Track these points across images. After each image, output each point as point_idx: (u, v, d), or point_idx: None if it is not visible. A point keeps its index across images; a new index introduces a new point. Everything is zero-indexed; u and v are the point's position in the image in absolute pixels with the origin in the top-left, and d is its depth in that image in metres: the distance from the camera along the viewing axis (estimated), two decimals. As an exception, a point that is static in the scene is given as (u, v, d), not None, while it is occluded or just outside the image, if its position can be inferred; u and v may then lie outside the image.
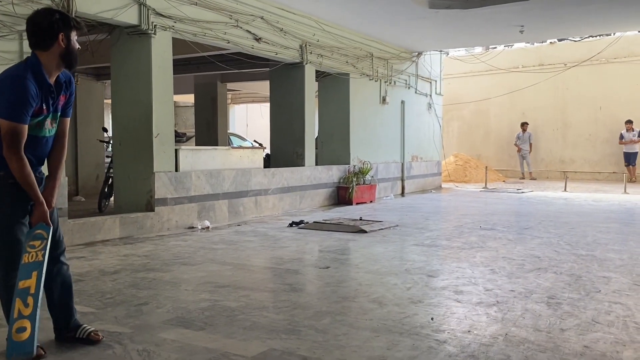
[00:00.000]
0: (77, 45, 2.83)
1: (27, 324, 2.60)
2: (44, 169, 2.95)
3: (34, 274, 2.66)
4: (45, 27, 2.72)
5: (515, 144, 17.69)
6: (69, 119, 2.99)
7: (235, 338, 3.13)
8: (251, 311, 3.64)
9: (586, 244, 6.17)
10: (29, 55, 2.79)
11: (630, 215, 8.91)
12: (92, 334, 3.02)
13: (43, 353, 2.80)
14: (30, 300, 2.63)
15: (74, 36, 2.81)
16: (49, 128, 2.86)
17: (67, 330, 3.02)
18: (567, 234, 6.87)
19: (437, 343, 3.04)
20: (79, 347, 2.99)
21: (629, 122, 15.47)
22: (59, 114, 2.90)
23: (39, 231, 2.76)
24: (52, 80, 2.80)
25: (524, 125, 17.55)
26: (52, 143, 2.92)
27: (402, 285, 4.35)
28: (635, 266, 5.01)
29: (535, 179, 17.19)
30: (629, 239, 6.52)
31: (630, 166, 15.58)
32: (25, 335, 2.59)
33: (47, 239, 2.75)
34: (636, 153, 15.57)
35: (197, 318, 3.49)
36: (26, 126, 2.68)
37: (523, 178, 17.43)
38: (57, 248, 2.95)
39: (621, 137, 15.70)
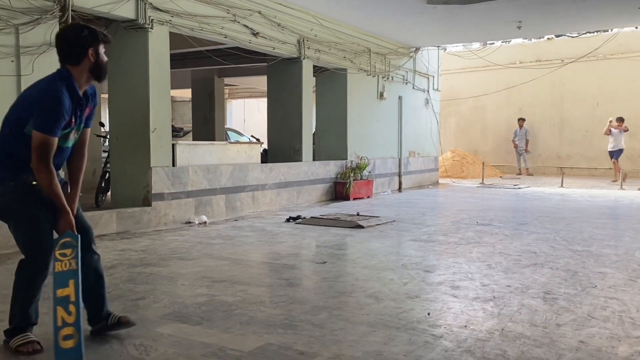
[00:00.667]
0: (106, 58, 2.92)
1: (72, 331, 2.69)
2: (62, 174, 3.04)
3: (71, 282, 2.73)
4: (75, 44, 2.82)
5: (513, 140, 17.73)
6: (89, 129, 3.07)
7: (232, 333, 3.14)
8: (248, 306, 3.64)
9: (582, 239, 6.19)
10: (58, 70, 2.86)
11: (626, 211, 8.94)
12: (121, 318, 3.08)
13: (39, 348, 2.83)
14: (72, 308, 2.71)
15: (102, 49, 2.89)
16: (73, 139, 2.94)
17: (100, 318, 3.08)
18: (563, 229, 6.89)
19: (434, 338, 3.05)
20: (76, 341, 2.99)
21: (620, 119, 14.66)
22: (82, 125, 2.98)
23: (67, 239, 2.80)
24: (81, 93, 2.88)
25: (520, 121, 17.58)
26: (72, 151, 3.00)
27: (398, 280, 4.36)
28: (631, 262, 5.03)
29: (531, 175, 17.23)
30: (625, 234, 6.55)
31: (615, 160, 14.87)
32: (73, 342, 2.68)
33: (77, 247, 2.79)
34: (621, 150, 14.71)
35: (194, 313, 3.50)
36: (57, 139, 2.76)
37: (520, 174, 17.47)
38: (86, 236, 2.99)
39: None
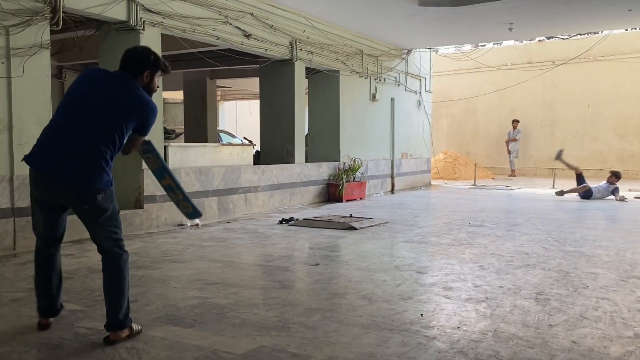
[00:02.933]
0: (157, 86, 3.27)
1: (186, 203, 3.51)
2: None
3: (166, 175, 3.46)
4: (136, 63, 3.14)
5: (506, 142, 17.72)
6: None
7: (224, 335, 3.13)
8: (241, 308, 3.63)
9: (574, 240, 6.22)
10: (124, 73, 3.12)
11: (617, 212, 9.00)
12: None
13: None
14: (177, 191, 3.48)
15: (157, 77, 3.22)
16: None
17: (57, 309, 3.27)
18: (555, 230, 6.92)
19: (427, 339, 3.06)
20: (67, 344, 2.97)
21: (617, 176, 11.14)
22: None
23: (146, 147, 3.35)
24: None
25: (514, 122, 17.62)
26: None
27: (391, 281, 4.36)
28: (622, 262, 5.06)
29: (514, 177, 17.27)
30: (616, 235, 6.59)
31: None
32: (190, 208, 3.53)
33: (155, 149, 3.39)
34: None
35: (186, 315, 3.48)
36: None
37: (514, 175, 17.54)
38: (61, 239, 3.25)
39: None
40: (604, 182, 11.10)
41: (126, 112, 2.99)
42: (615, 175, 10.94)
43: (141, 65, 3.13)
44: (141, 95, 3.08)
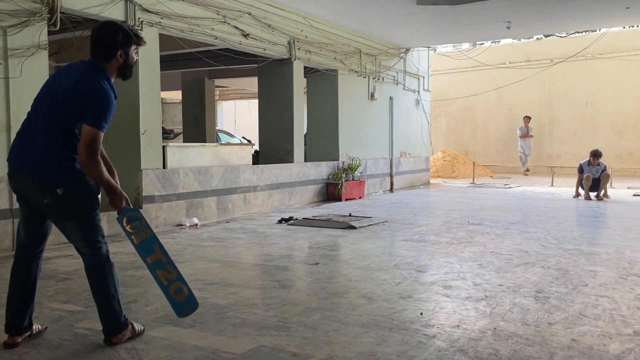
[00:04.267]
0: (135, 58, 3.02)
1: (180, 284, 2.98)
2: None
3: (156, 247, 2.99)
4: (107, 44, 2.91)
5: (526, 135, 17.50)
6: None
7: (224, 335, 3.12)
8: (240, 308, 3.63)
9: (573, 238, 6.22)
10: (93, 61, 2.92)
11: (615, 210, 9.00)
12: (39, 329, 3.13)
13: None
14: (169, 267, 2.98)
15: (132, 51, 2.98)
16: None
17: (29, 325, 3.02)
18: (554, 228, 6.92)
19: (426, 338, 3.06)
20: (67, 345, 2.97)
21: (596, 155, 10.66)
22: None
23: (131, 214, 2.98)
24: None
25: (526, 119, 17.46)
26: None
27: (391, 280, 4.36)
28: (621, 260, 5.06)
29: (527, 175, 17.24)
30: (615, 233, 6.59)
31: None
32: (185, 293, 2.99)
33: (142, 217, 3.01)
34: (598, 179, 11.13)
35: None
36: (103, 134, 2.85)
37: (528, 172, 17.38)
38: (44, 243, 3.05)
39: (581, 170, 10.75)
40: (589, 166, 10.58)
41: (70, 98, 2.81)
42: (595, 155, 10.55)
43: (110, 48, 2.90)
44: (89, 75, 2.85)
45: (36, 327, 3.07)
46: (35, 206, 2.90)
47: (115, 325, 2.96)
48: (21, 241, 3.01)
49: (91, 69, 2.89)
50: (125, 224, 2.94)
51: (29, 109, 5.76)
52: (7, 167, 2.95)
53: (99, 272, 2.94)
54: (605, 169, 10.57)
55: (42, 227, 2.99)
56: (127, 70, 3.00)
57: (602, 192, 10.49)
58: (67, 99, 2.82)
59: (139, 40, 3.00)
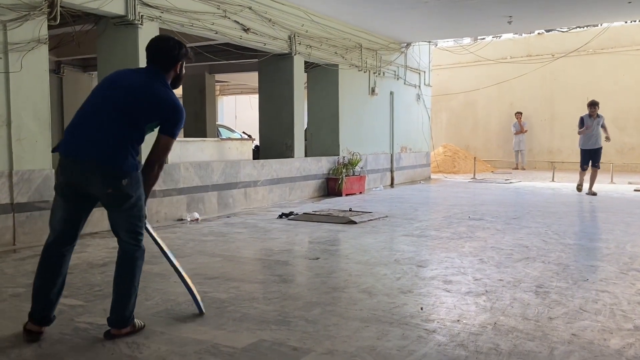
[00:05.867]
0: (184, 71, 3.27)
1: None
2: None
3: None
4: (171, 56, 3.15)
5: (520, 132, 17.55)
6: None
7: (225, 329, 3.13)
8: (241, 302, 3.63)
9: (573, 233, 6.22)
10: (155, 70, 3.13)
11: (616, 205, 8.99)
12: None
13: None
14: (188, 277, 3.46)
15: (183, 64, 3.23)
16: None
17: (54, 317, 3.08)
18: (554, 223, 6.92)
19: (427, 332, 3.06)
20: (67, 339, 2.97)
21: (593, 104, 10.39)
22: None
23: None
24: None
25: (518, 114, 17.56)
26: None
27: (391, 275, 4.36)
28: (622, 255, 5.06)
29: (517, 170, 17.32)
30: (616, 228, 6.59)
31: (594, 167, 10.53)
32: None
33: (149, 231, 3.28)
34: (600, 149, 10.52)
35: (186, 310, 3.48)
36: None
37: (517, 168, 17.53)
38: (76, 235, 3.17)
39: (582, 123, 10.46)
40: (590, 118, 10.29)
41: (149, 107, 3.00)
42: (593, 104, 10.32)
43: (175, 59, 3.15)
44: (166, 93, 3.07)
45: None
46: (86, 197, 3.00)
47: (124, 317, 3.00)
48: (57, 233, 3.06)
49: (157, 78, 3.11)
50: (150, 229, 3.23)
51: (29, 103, 5.79)
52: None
53: (132, 263, 3.04)
54: (603, 122, 10.39)
55: (83, 219, 3.09)
56: (179, 82, 3.25)
57: (590, 187, 10.37)
58: (134, 101, 2.99)
59: (191, 54, 3.30)
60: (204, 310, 3.37)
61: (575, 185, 10.91)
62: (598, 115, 10.35)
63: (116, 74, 3.16)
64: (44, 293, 3.00)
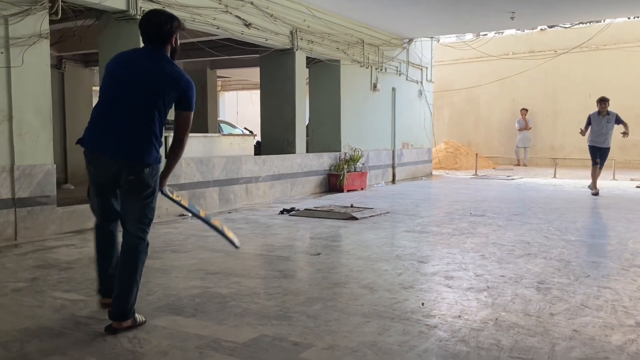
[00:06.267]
0: (179, 42, 3.28)
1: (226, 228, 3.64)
2: None
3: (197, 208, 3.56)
4: (167, 31, 3.15)
5: (522, 129, 17.52)
6: None
7: (226, 324, 3.13)
8: (242, 297, 3.63)
9: (575, 229, 6.21)
10: (153, 48, 3.15)
11: (618, 202, 8.98)
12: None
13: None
14: (215, 222, 3.58)
15: (178, 36, 3.25)
16: None
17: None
18: (556, 219, 6.91)
19: (428, 328, 3.06)
20: (69, 334, 2.97)
21: (603, 101, 9.78)
22: None
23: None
24: None
25: (523, 111, 17.51)
26: None
27: (393, 271, 4.36)
28: (624, 251, 5.05)
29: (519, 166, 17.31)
30: (618, 224, 6.58)
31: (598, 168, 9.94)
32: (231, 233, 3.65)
33: (167, 195, 3.38)
34: (608, 149, 9.91)
35: (187, 305, 3.48)
36: None
37: (518, 164, 17.52)
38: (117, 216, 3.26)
39: (589, 122, 9.89)
40: (598, 116, 9.62)
41: (164, 88, 3.05)
42: (602, 101, 9.58)
43: (169, 33, 3.16)
44: (175, 70, 3.12)
45: None
46: (114, 183, 3.11)
47: (125, 310, 3.02)
48: (98, 215, 3.25)
49: (160, 56, 3.14)
50: (171, 194, 3.36)
51: (30, 98, 5.78)
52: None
53: (136, 257, 3.08)
54: (617, 118, 9.48)
55: (116, 201, 3.20)
56: (175, 54, 3.25)
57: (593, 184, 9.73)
58: (149, 87, 3.04)
59: (184, 26, 3.29)
60: (238, 245, 3.60)
61: (587, 184, 10.18)
62: (608, 113, 9.63)
63: (122, 61, 3.17)
64: (104, 269, 3.25)
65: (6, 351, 2.74)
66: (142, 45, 3.30)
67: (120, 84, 3.08)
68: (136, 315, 3.08)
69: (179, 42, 3.27)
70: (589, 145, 9.94)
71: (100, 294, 3.28)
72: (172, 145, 3.22)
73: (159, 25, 3.14)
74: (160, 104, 3.06)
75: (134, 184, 3.05)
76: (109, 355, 2.69)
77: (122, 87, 3.06)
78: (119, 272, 3.08)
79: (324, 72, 10.97)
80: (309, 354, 2.70)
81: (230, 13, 8.05)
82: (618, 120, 9.65)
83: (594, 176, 9.84)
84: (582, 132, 9.87)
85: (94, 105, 3.30)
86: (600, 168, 9.88)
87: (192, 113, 3.20)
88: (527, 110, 17.52)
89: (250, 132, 12.28)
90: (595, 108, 9.94)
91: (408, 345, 2.81)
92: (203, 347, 2.79)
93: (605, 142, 9.68)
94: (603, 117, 9.60)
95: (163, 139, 3.24)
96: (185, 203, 3.42)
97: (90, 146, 3.09)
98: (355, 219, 6.94)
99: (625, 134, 9.75)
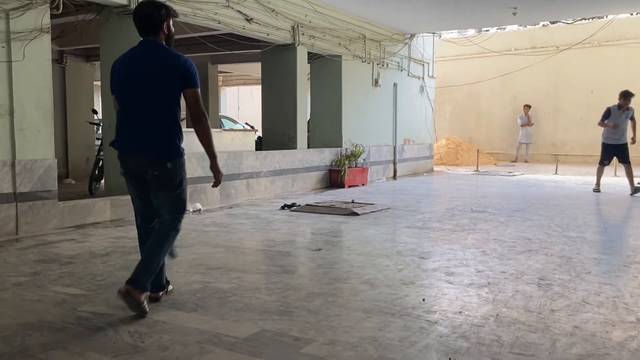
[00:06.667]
0: (173, 29, 3.40)
1: None
2: None
3: None
4: (157, 19, 3.28)
5: (526, 125, 17.47)
6: None
7: (227, 319, 3.13)
8: (243, 293, 3.63)
9: (576, 226, 6.20)
10: (148, 40, 3.31)
11: (620, 198, 8.97)
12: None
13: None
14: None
15: (171, 22, 3.37)
16: None
17: (167, 282, 3.55)
18: (557, 216, 6.90)
19: (429, 324, 3.06)
20: (70, 328, 2.98)
21: (627, 95, 9.29)
22: None
23: None
24: None
25: (526, 107, 17.46)
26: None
27: (393, 266, 4.36)
28: (625, 248, 5.05)
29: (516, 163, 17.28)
30: (619, 221, 6.57)
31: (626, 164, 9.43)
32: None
33: None
34: (626, 145, 9.42)
35: (188, 300, 3.49)
36: None
37: (515, 161, 17.52)
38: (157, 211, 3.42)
39: (607, 115, 9.40)
40: (619, 110, 9.21)
41: (166, 76, 3.21)
42: (626, 96, 9.10)
43: (158, 23, 3.28)
44: (170, 54, 3.26)
45: (171, 286, 3.58)
46: (143, 180, 3.32)
47: (143, 280, 3.19)
48: (140, 212, 3.46)
49: (154, 47, 3.28)
50: None
51: (31, 92, 5.78)
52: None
53: (164, 237, 3.29)
54: (633, 115, 9.18)
55: (150, 195, 3.38)
56: (171, 41, 3.37)
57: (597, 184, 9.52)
58: (155, 79, 3.20)
59: (175, 13, 3.41)
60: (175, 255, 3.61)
61: (593, 183, 9.87)
62: (628, 108, 9.19)
63: (127, 60, 3.32)
64: None
65: (7, 345, 2.75)
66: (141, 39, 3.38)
67: (130, 84, 3.26)
68: (145, 300, 3.19)
69: (172, 29, 3.36)
70: (603, 143, 9.51)
71: (151, 289, 3.41)
72: (194, 129, 3.29)
73: (149, 15, 3.27)
74: (170, 95, 3.21)
75: (159, 178, 3.27)
76: (110, 350, 2.69)
77: (131, 86, 3.25)
78: (147, 247, 3.32)
79: (326, 67, 10.95)
80: (309, 349, 2.70)
81: (232, 8, 8.03)
82: (633, 117, 9.33)
83: (599, 175, 9.61)
84: (605, 126, 9.35)
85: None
86: (629, 163, 9.32)
87: (198, 90, 3.27)
88: (530, 106, 17.48)
89: (252, 127, 12.28)
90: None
91: (409, 340, 2.81)
92: (204, 341, 2.79)
93: (622, 138, 9.30)
94: (624, 111, 9.22)
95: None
96: None
97: (118, 147, 3.33)
98: (357, 214, 6.94)
99: (633, 140, 9.38)
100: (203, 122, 3.27)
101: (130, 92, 3.26)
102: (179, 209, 3.36)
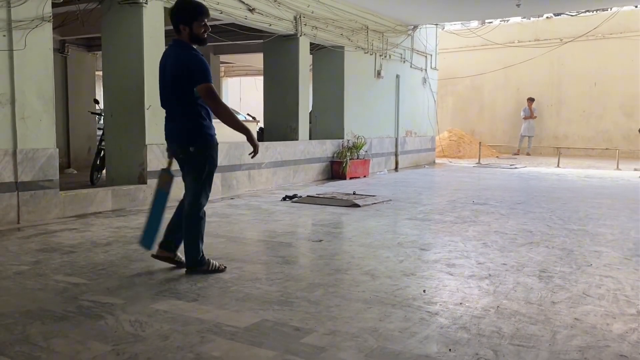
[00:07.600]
0: (202, 30, 3.66)
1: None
2: None
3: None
4: (175, 19, 3.65)
5: (528, 117, 17.38)
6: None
7: (227, 309, 3.13)
8: (244, 283, 3.64)
9: (578, 218, 6.20)
10: (174, 39, 3.72)
11: (622, 191, 8.95)
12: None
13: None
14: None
15: (196, 24, 3.63)
16: None
17: (175, 247, 3.98)
18: (559, 208, 6.89)
19: (429, 315, 3.06)
20: (71, 317, 2.98)
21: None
22: None
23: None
24: None
25: (529, 101, 17.38)
26: None
27: (394, 258, 4.36)
28: (626, 241, 5.04)
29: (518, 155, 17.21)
30: (621, 214, 6.56)
31: None
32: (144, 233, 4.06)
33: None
34: None
35: (189, 289, 3.49)
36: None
37: (517, 154, 17.47)
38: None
39: None
40: None
41: (180, 73, 3.57)
42: None
43: (177, 23, 3.62)
44: (182, 53, 3.59)
45: (179, 255, 3.92)
46: (180, 164, 3.81)
47: (190, 260, 3.78)
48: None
49: (176, 46, 3.67)
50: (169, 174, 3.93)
51: (33, 81, 5.78)
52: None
53: (188, 220, 3.78)
54: None
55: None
56: (196, 39, 3.67)
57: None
58: (175, 77, 3.58)
59: (200, 16, 3.63)
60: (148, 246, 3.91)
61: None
62: None
63: (162, 57, 3.77)
64: (170, 224, 3.97)
65: (9, 333, 2.75)
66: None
67: (161, 80, 3.73)
68: (212, 262, 3.82)
69: (198, 28, 3.62)
70: None
71: (160, 245, 3.92)
72: (219, 119, 3.59)
73: (171, 15, 3.64)
74: (187, 92, 3.55)
75: (184, 161, 3.74)
76: (111, 338, 2.70)
77: (162, 83, 3.71)
78: (182, 232, 3.82)
79: (328, 58, 10.91)
80: (310, 339, 2.71)
81: (234, -2, 7.99)
82: None
83: None
84: None
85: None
86: None
87: (209, 84, 3.53)
88: (533, 99, 17.42)
89: (253, 118, 12.25)
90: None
91: (409, 331, 2.82)
92: (204, 331, 2.80)
93: None
94: None
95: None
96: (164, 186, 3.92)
97: (165, 137, 3.85)
98: (358, 206, 6.94)
99: None
100: (221, 113, 3.56)
101: (162, 88, 3.74)
102: (199, 191, 3.71)
